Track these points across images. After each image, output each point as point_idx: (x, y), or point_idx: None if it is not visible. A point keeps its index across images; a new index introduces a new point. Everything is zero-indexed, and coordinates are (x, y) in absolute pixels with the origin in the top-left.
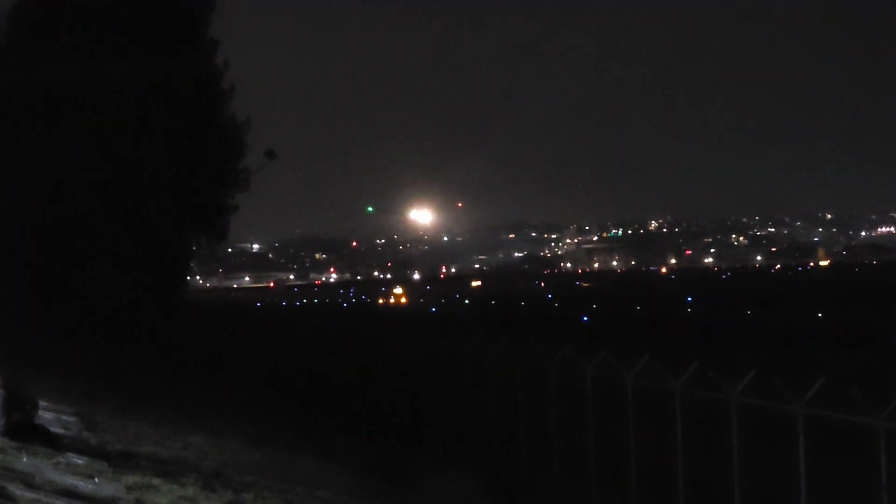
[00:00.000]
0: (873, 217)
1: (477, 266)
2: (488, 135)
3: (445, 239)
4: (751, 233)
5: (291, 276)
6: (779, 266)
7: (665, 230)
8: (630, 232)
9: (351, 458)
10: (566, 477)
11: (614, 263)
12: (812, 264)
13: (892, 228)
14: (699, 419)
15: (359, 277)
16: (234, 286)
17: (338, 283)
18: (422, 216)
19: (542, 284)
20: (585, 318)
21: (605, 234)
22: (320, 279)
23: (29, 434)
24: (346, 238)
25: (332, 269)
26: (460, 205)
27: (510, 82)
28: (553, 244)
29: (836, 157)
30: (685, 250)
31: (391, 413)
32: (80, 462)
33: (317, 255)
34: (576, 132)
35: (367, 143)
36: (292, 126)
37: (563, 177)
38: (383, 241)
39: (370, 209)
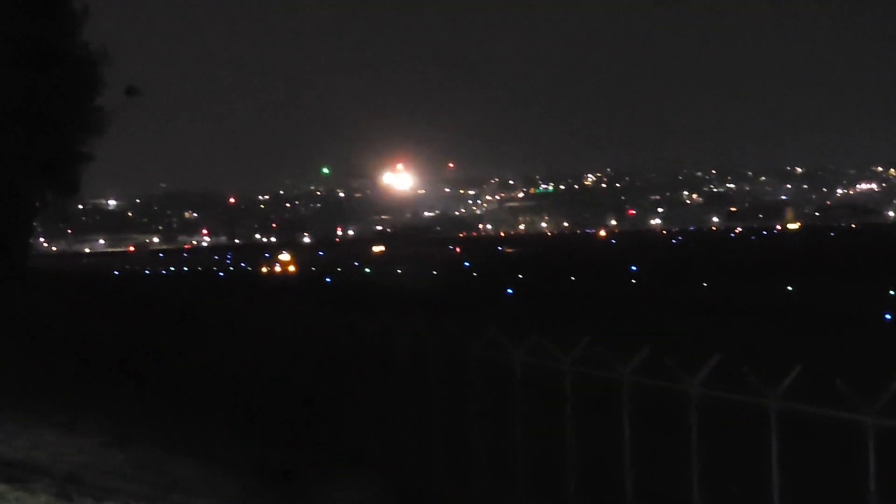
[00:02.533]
0: (851, 172)
1: (379, 227)
2: (393, 75)
3: (342, 195)
4: (706, 189)
5: (156, 240)
6: (740, 229)
7: (604, 186)
8: (563, 188)
9: (236, 459)
10: (491, 482)
11: (543, 225)
12: (779, 227)
13: (874, 185)
14: (654, 412)
15: (237, 241)
16: (87, 251)
17: (212, 248)
18: (400, 180)
19: (458, 250)
20: (510, 292)
21: (532, 191)
22: (191, 243)
23: None
24: (222, 193)
25: (204, 231)
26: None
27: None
28: (471, 202)
29: (808, 102)
30: (628, 210)
31: (283, 407)
32: None
33: (186, 214)
34: (496, 68)
35: (259, 78)
36: (162, 57)
37: (481, 122)
38: (267, 196)
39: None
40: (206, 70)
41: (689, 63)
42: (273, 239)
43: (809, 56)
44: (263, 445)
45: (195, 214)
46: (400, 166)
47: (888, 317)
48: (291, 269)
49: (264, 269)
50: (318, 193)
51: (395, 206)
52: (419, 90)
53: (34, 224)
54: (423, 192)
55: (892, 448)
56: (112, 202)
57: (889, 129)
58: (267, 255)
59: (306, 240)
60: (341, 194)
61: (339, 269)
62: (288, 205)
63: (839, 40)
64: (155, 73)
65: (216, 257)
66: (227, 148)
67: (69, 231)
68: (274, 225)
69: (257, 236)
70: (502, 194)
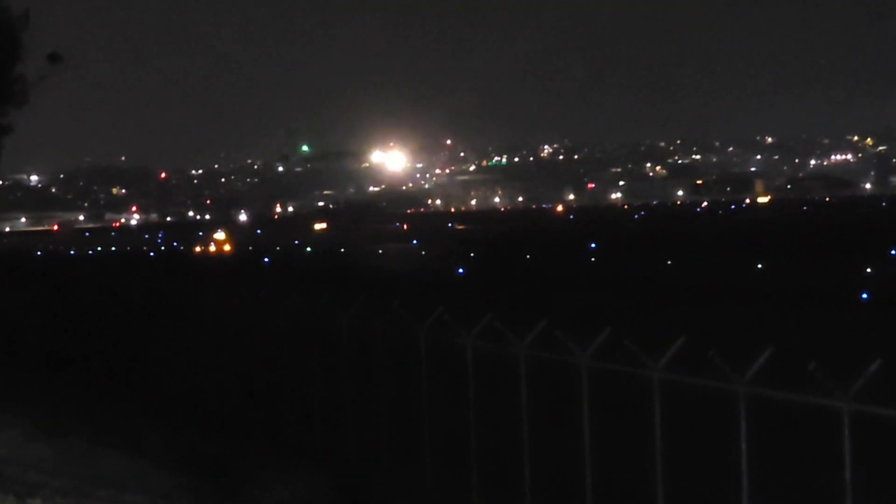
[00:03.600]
0: (825, 141)
1: (321, 203)
2: (340, 41)
3: (280, 169)
4: (671, 161)
5: (81, 217)
6: (706, 203)
7: (561, 157)
8: (517, 160)
9: (167, 452)
10: (443, 475)
11: (497, 200)
12: (748, 201)
13: (849, 155)
14: (621, 400)
15: (169, 219)
16: (7, 230)
17: (142, 226)
18: (393, 159)
19: (405, 227)
20: (461, 271)
21: (485, 163)
22: (119, 221)
23: None
24: (152, 168)
25: (133, 208)
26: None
27: None
28: (419, 175)
29: (779, 67)
30: (587, 183)
31: (216, 395)
32: None
33: (114, 191)
34: (447, 33)
35: (193, 46)
36: (89, 23)
37: (427, 89)
38: (200, 171)
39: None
40: (137, 36)
41: (651, 26)
42: (207, 216)
43: (780, 18)
44: (196, 437)
45: (123, 190)
46: (391, 143)
47: (865, 296)
48: (227, 248)
49: (198, 249)
50: (255, 167)
51: (393, 182)
52: (364, 59)
53: None
54: (367, 165)
55: (868, 433)
56: (34, 177)
57: (865, 95)
58: (201, 233)
59: (243, 217)
60: (280, 168)
61: (278, 249)
62: (223, 180)
63: (810, 3)
64: (81, 39)
65: (146, 236)
66: (158, 119)
67: None
68: (208, 202)
69: (190, 214)
70: (452, 167)
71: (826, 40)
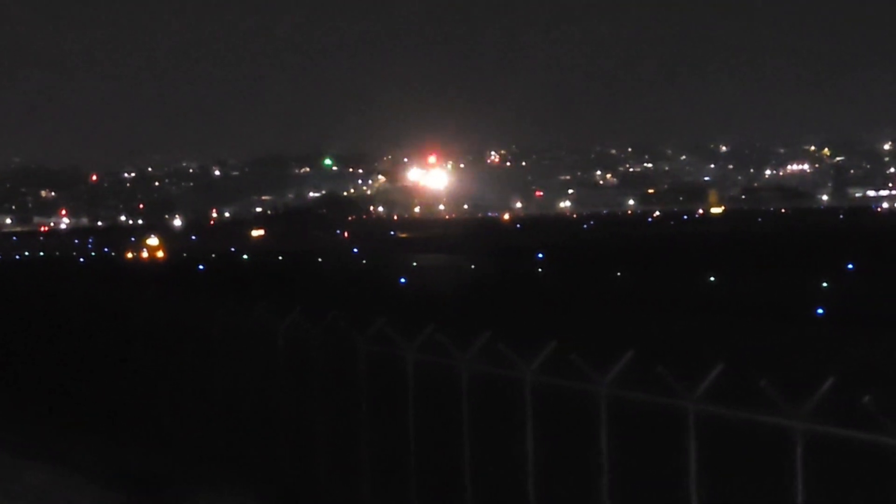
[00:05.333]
0: (781, 150)
1: (259, 209)
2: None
3: (217, 173)
4: (622, 169)
5: (8, 221)
6: (658, 213)
7: (509, 164)
8: (462, 166)
9: (97, 466)
10: (381, 490)
11: (441, 207)
12: (701, 211)
13: (806, 166)
14: (560, 415)
15: (100, 223)
16: None
17: (71, 231)
18: (434, 178)
19: (346, 234)
20: (403, 281)
21: (431, 163)
22: (47, 225)
23: None
24: (83, 170)
25: (63, 212)
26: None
27: None
28: (361, 181)
29: (734, 72)
30: (535, 191)
31: (149, 408)
32: None
33: (43, 193)
34: (392, 37)
35: (126, 42)
36: (15, 16)
37: (372, 93)
38: (133, 174)
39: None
40: (67, 34)
41: (601, 31)
42: (140, 221)
43: (736, 25)
44: (128, 450)
45: (53, 193)
46: (432, 159)
47: (820, 311)
48: (160, 254)
49: (129, 255)
50: (190, 171)
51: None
52: (303, 60)
53: None
54: (308, 170)
55: (822, 452)
56: None
57: (823, 105)
58: (133, 239)
59: (177, 222)
60: (216, 172)
61: (213, 256)
62: (157, 183)
63: (766, 6)
64: (7, 32)
65: (76, 241)
66: (90, 120)
67: None
68: (141, 206)
69: (122, 218)
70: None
71: (783, 48)
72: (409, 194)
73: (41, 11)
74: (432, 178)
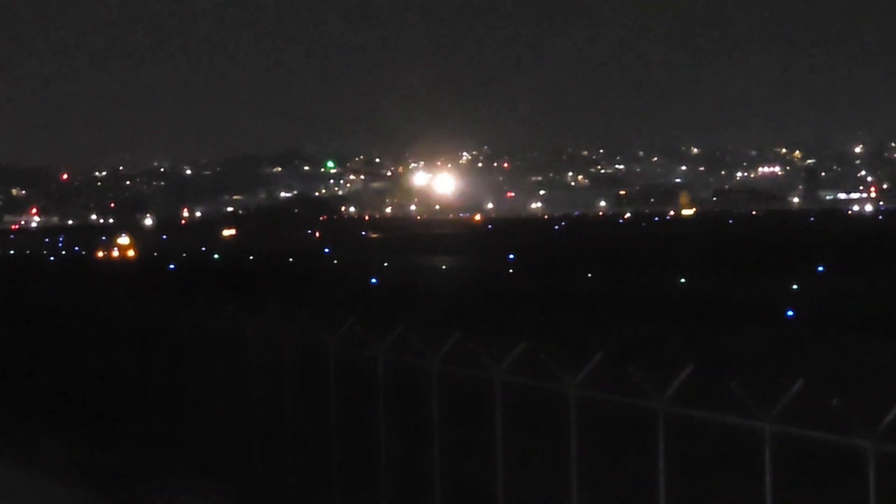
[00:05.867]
0: (753, 153)
1: (230, 209)
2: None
3: (188, 172)
4: (593, 171)
5: None
6: (629, 215)
7: (480, 165)
8: (437, 165)
9: (61, 462)
10: (352, 491)
11: (413, 208)
12: (672, 213)
13: (777, 168)
14: (530, 415)
15: (71, 222)
16: None
17: (42, 229)
18: (442, 182)
19: (318, 234)
20: (374, 281)
21: (400, 170)
22: (18, 223)
23: None
24: (55, 168)
25: (33, 210)
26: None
27: None
28: (333, 181)
29: (705, 74)
30: (506, 192)
31: (118, 405)
32: None
33: (13, 191)
34: (363, 39)
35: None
36: None
37: (345, 94)
38: (104, 173)
39: (331, 164)
40: (38, 32)
41: (572, 33)
42: (111, 220)
43: (705, 28)
44: (97, 448)
45: (24, 192)
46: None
47: (790, 313)
48: (131, 253)
49: (100, 254)
50: (162, 170)
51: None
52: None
53: None
54: (280, 170)
55: (791, 454)
56: None
57: (794, 107)
58: (104, 238)
59: (148, 221)
60: (188, 171)
61: (184, 255)
62: (128, 182)
63: (738, 8)
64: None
65: (47, 240)
66: (61, 119)
67: None
68: (112, 204)
69: (93, 217)
70: (368, 174)
71: (755, 51)
72: (382, 194)
73: (9, 11)
74: (406, 178)
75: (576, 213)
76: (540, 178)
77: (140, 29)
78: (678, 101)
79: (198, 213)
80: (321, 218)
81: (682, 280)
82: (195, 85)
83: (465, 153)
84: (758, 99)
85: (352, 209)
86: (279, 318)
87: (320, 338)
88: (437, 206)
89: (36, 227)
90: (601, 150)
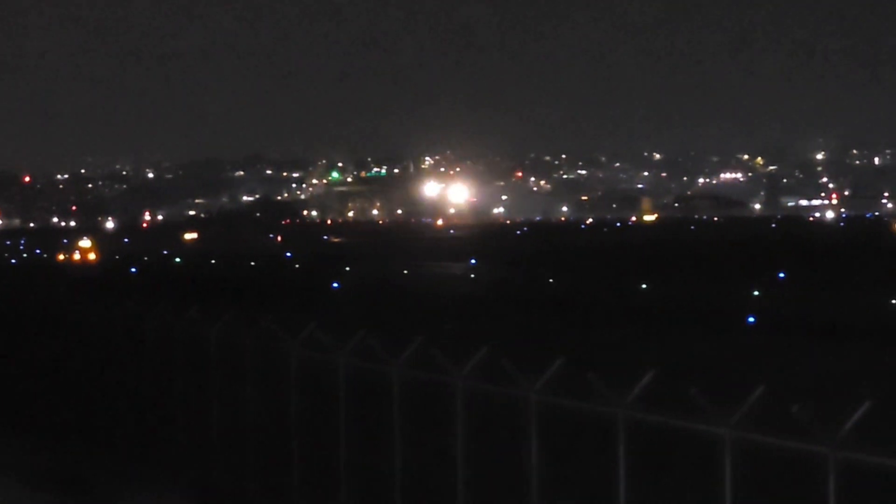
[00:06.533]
0: (714, 159)
1: (192, 212)
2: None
3: (151, 175)
4: (555, 176)
5: None
6: (591, 220)
7: (442, 170)
8: (397, 171)
9: (26, 467)
10: (311, 495)
11: (375, 212)
12: (634, 219)
13: (739, 175)
14: (491, 420)
15: (32, 224)
16: None
17: (3, 232)
18: (455, 192)
19: (280, 238)
20: (336, 285)
21: (363, 174)
22: None
23: None
24: (16, 171)
25: None
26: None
27: None
28: (295, 185)
29: (668, 82)
30: (469, 197)
31: (80, 410)
32: None
33: None
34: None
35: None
36: None
37: (308, 98)
38: (66, 176)
39: (336, 175)
40: None
41: (534, 38)
42: (73, 223)
43: (667, 34)
44: (59, 452)
45: None
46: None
47: (751, 320)
48: (92, 256)
49: (62, 257)
50: (124, 173)
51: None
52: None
53: None
54: (242, 174)
55: (750, 460)
56: None
57: (756, 114)
58: (65, 240)
59: (110, 224)
60: (150, 175)
61: (146, 258)
62: (90, 185)
63: (700, 15)
64: None
65: (8, 242)
66: (23, 121)
67: None
68: (74, 207)
69: (55, 220)
70: (330, 178)
71: (717, 57)
72: (344, 199)
73: None
74: (368, 182)
75: (538, 218)
76: (502, 183)
77: (101, 32)
78: (640, 107)
79: (160, 217)
80: (283, 222)
81: (644, 286)
82: (158, 88)
83: (427, 158)
84: (720, 105)
85: (314, 213)
86: (241, 323)
87: (281, 342)
88: (399, 211)
89: None
90: (563, 156)
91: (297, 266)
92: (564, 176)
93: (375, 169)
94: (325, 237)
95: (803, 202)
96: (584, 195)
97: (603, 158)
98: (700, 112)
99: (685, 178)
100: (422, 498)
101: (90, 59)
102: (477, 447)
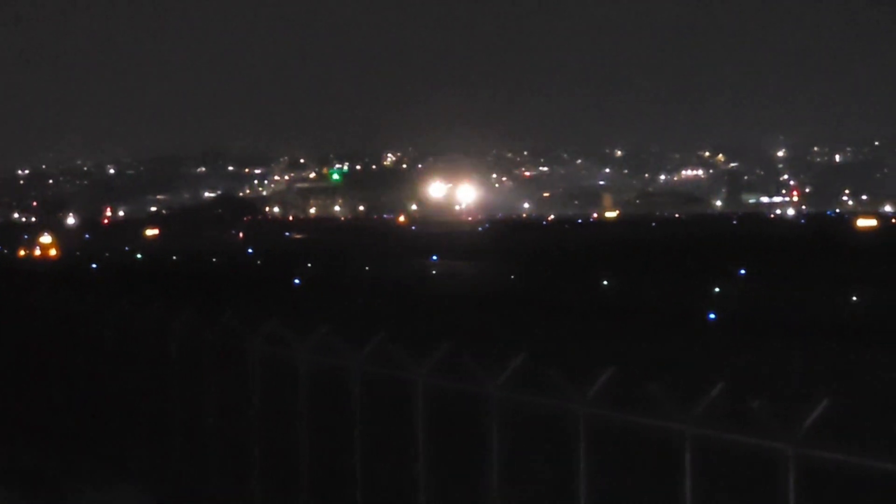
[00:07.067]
0: (676, 156)
1: (154, 209)
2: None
3: (112, 171)
4: (516, 172)
5: None
6: (552, 217)
7: (405, 167)
8: (359, 168)
9: None
10: (272, 493)
11: (337, 209)
12: (596, 215)
13: (700, 171)
14: (452, 416)
15: None
16: None
17: None
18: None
19: (241, 235)
20: (297, 282)
21: (325, 170)
22: None
23: None
24: None
25: None
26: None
27: None
28: (257, 182)
29: (630, 79)
30: (430, 193)
31: (40, 406)
32: None
33: None
34: (286, 37)
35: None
36: None
37: (268, 93)
38: (27, 171)
39: (337, 177)
40: None
41: (497, 34)
42: (33, 219)
43: (630, 31)
44: (18, 449)
45: None
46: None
47: (712, 316)
48: (53, 252)
49: (22, 253)
50: (85, 169)
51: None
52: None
53: None
54: (203, 170)
55: (710, 456)
56: None
57: (717, 111)
58: (26, 236)
59: (71, 221)
60: (111, 171)
61: (107, 255)
62: (51, 181)
63: (660, 12)
64: None
65: None
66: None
67: None
68: (34, 203)
69: (15, 216)
70: (292, 174)
71: (679, 54)
72: (307, 195)
73: None
74: (329, 179)
75: (499, 214)
76: (464, 180)
77: (62, 28)
78: (601, 103)
79: (121, 213)
80: (245, 218)
81: (605, 282)
82: (119, 84)
83: (389, 154)
84: (681, 102)
85: (275, 210)
86: (201, 318)
87: (242, 338)
88: (362, 207)
89: None
90: (525, 153)
91: (258, 262)
92: (526, 173)
93: (338, 165)
94: (287, 234)
95: (764, 199)
96: (546, 192)
97: (565, 155)
98: (662, 109)
99: (647, 175)
100: (382, 492)
101: (50, 54)
102: (437, 444)
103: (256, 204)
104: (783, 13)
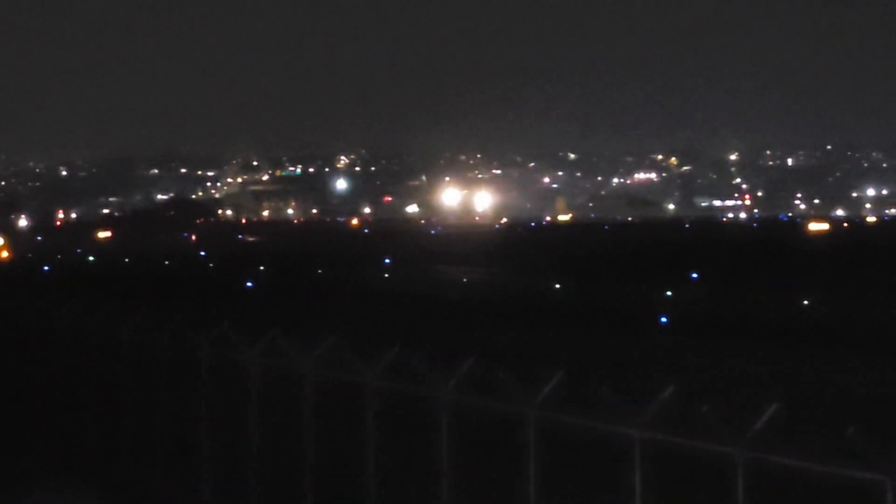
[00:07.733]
0: (629, 159)
1: (106, 211)
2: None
3: (64, 173)
4: (470, 175)
5: None
6: (505, 220)
7: (358, 169)
8: (312, 170)
9: None
10: (222, 495)
11: (290, 212)
12: (549, 218)
13: (653, 175)
14: (403, 419)
15: None
16: None
17: None
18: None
19: (194, 238)
20: (250, 284)
21: (278, 173)
22: None
23: None
24: None
25: None
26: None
27: None
28: (210, 184)
29: (582, 82)
30: (384, 196)
31: None
32: None
33: None
34: (244, 40)
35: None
36: None
37: (221, 96)
38: None
39: (344, 184)
40: None
41: (448, 37)
42: None
43: (584, 35)
44: None
45: None
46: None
47: (664, 320)
48: (4, 254)
49: None
50: (37, 171)
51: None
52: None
53: None
54: (157, 172)
55: (660, 460)
56: None
57: (670, 114)
58: None
59: (23, 222)
60: (64, 172)
61: (59, 257)
62: (3, 183)
63: (615, 18)
64: None
65: None
66: None
67: None
68: None
69: None
70: (245, 176)
71: (632, 58)
72: (258, 197)
73: None
74: (282, 181)
75: (451, 217)
76: (417, 183)
77: (14, 30)
78: (554, 106)
79: (73, 215)
80: (198, 221)
81: (557, 286)
82: (71, 85)
83: (342, 156)
84: (634, 105)
85: (228, 212)
86: (153, 321)
87: (193, 341)
88: (314, 210)
89: None
90: (479, 156)
91: (211, 265)
92: (479, 175)
93: (290, 168)
94: (240, 236)
95: (717, 203)
96: (499, 195)
97: (518, 158)
98: (615, 112)
99: (600, 178)
100: (333, 493)
101: (0, 55)
102: (388, 447)
103: (209, 206)
104: (737, 19)
